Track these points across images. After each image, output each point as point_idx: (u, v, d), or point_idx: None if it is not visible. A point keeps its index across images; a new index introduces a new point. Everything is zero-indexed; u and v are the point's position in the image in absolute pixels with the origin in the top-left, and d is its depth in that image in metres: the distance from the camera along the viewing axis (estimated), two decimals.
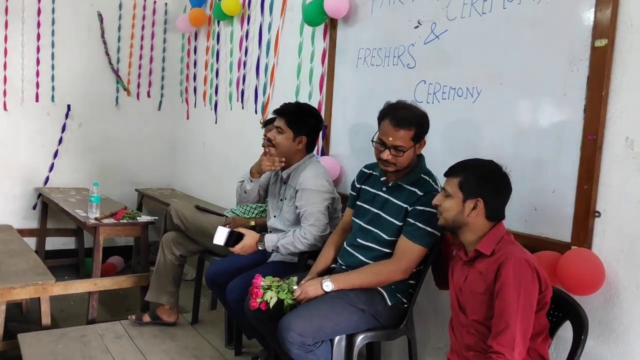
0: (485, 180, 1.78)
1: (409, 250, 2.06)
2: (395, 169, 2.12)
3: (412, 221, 2.06)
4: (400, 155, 2.07)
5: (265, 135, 2.86)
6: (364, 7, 2.94)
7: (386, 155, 2.08)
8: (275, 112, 2.62)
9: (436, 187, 2.11)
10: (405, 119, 2.06)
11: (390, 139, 2.06)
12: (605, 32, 1.86)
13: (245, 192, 2.73)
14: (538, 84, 2.08)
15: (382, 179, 2.22)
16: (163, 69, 5.10)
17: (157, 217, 3.75)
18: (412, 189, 2.11)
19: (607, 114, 1.87)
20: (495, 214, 1.79)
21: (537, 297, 1.65)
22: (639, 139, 1.79)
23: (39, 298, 3.07)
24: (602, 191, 1.90)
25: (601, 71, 1.86)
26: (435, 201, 1.85)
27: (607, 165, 1.88)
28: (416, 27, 2.59)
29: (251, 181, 2.69)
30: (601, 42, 1.87)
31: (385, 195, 2.19)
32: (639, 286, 1.79)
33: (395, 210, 2.13)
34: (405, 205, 2.11)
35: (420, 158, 2.20)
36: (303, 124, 2.56)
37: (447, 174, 1.84)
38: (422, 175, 2.14)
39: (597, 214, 1.90)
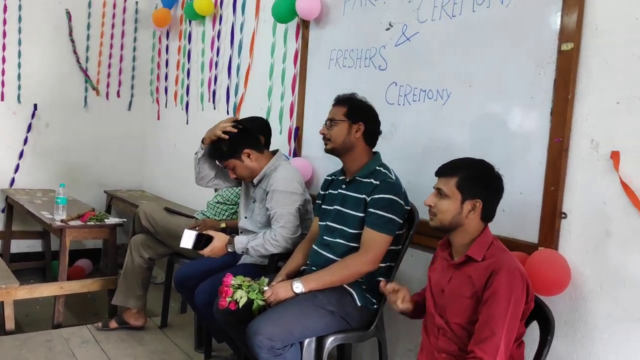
0: (483, 181, 1.74)
1: (373, 240, 2.07)
2: (332, 146, 2.22)
3: (372, 210, 2.09)
4: (331, 128, 2.20)
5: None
6: (335, 8, 2.94)
7: (322, 129, 2.24)
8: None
9: (391, 176, 2.16)
10: (340, 97, 2.27)
11: (328, 115, 2.25)
12: (571, 36, 1.89)
13: (198, 163, 2.68)
14: (506, 86, 2.11)
15: (341, 177, 2.27)
16: (133, 69, 5.03)
17: (125, 219, 3.68)
18: (368, 180, 2.15)
19: (573, 116, 1.90)
20: (490, 215, 1.77)
21: (523, 308, 1.64)
22: (604, 141, 1.82)
23: (2, 302, 2.98)
24: (568, 193, 1.92)
25: (567, 74, 1.89)
26: (428, 202, 1.77)
27: (573, 167, 1.91)
28: (387, 29, 2.60)
29: (202, 149, 2.64)
30: (567, 46, 1.89)
31: (345, 192, 2.23)
32: (603, 287, 1.82)
33: (355, 203, 2.16)
34: (363, 196, 2.13)
35: (375, 155, 2.25)
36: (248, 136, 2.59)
37: (440, 174, 1.79)
38: (377, 167, 2.19)
39: (563, 216, 1.93)
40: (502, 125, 2.12)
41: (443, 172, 1.78)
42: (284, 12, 3.09)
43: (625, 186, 1.75)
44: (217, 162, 2.69)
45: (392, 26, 2.58)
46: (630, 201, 1.74)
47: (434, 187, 1.79)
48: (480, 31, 2.19)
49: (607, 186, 1.81)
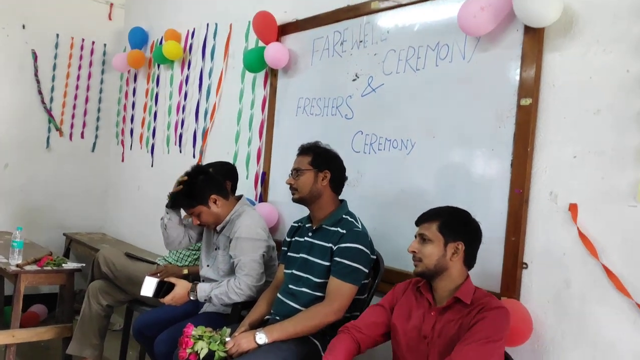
0: (463, 224, 1.79)
1: (339, 290, 2.05)
2: (299, 196, 2.22)
3: (338, 259, 2.08)
4: (298, 177, 2.20)
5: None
6: (304, 58, 3.00)
7: (288, 179, 2.24)
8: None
9: (357, 225, 2.17)
10: (304, 147, 2.29)
11: (293, 165, 2.26)
12: (530, 91, 1.97)
13: (165, 228, 2.63)
14: (468, 138, 2.17)
15: (308, 225, 2.27)
16: (99, 110, 4.98)
17: (84, 264, 3.56)
18: (335, 228, 2.15)
19: (533, 169, 1.96)
20: (472, 260, 1.80)
21: (501, 350, 1.66)
22: (562, 193, 1.88)
23: None
24: (529, 243, 1.97)
25: (526, 128, 1.96)
26: (412, 248, 1.79)
27: (533, 218, 1.96)
28: (354, 79, 2.66)
29: (167, 213, 2.60)
30: (526, 101, 1.97)
31: (311, 240, 2.22)
32: (565, 336, 1.84)
33: (321, 252, 2.15)
34: (329, 245, 2.13)
35: (342, 203, 2.26)
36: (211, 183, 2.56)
37: (420, 221, 1.81)
38: (344, 216, 2.19)
39: (524, 266, 1.96)
40: (465, 175, 2.17)
41: (424, 219, 1.82)
42: (254, 63, 3.15)
43: (583, 237, 1.80)
44: (183, 210, 2.63)
45: (358, 77, 2.64)
46: (588, 252, 1.78)
47: (415, 235, 1.81)
48: (443, 84, 2.26)
49: (566, 237, 1.86)
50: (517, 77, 2.01)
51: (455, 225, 1.77)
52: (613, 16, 1.80)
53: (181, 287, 2.41)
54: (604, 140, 1.79)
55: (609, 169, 1.77)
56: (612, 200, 1.76)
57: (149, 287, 2.38)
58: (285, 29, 3.11)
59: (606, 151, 1.78)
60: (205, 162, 3.68)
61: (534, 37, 1.96)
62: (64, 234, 4.74)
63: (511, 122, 2.02)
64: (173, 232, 2.64)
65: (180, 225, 2.66)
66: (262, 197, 3.21)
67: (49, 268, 3.28)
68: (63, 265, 3.37)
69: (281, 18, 3.12)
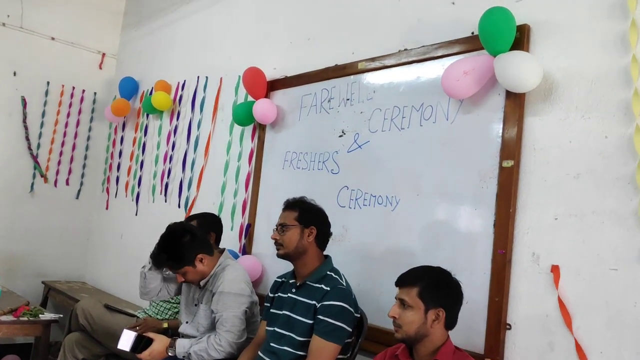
0: (443, 289, 1.76)
1: (322, 349, 2.01)
2: (284, 252, 2.20)
3: (321, 317, 2.04)
4: (283, 233, 2.18)
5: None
6: (292, 113, 3.05)
7: (273, 235, 2.22)
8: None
9: (342, 282, 2.15)
10: (290, 202, 2.28)
11: (278, 220, 2.24)
12: (511, 153, 2.01)
13: (144, 277, 2.57)
14: (452, 197, 2.19)
15: (292, 281, 2.24)
16: (86, 157, 4.97)
17: (62, 315, 3.48)
18: (319, 285, 2.13)
19: (515, 230, 1.98)
20: (453, 322, 1.77)
21: None
22: (544, 255, 1.90)
23: None
24: (512, 304, 1.96)
25: (508, 190, 1.99)
26: (392, 313, 1.75)
27: (516, 279, 1.96)
28: (340, 136, 2.70)
29: (150, 262, 2.56)
30: (508, 163, 2.01)
31: (294, 296, 2.19)
32: None
33: (305, 309, 2.12)
34: (313, 302, 2.10)
35: (327, 259, 2.25)
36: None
37: (400, 284, 1.79)
38: (328, 272, 2.17)
39: (508, 327, 1.95)
40: (449, 234, 2.19)
41: (403, 282, 1.78)
42: (243, 116, 3.19)
43: (561, 303, 1.81)
44: (169, 270, 2.57)
45: (344, 134, 2.68)
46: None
47: (396, 298, 1.78)
48: (427, 144, 2.31)
49: (549, 299, 1.86)
50: (499, 140, 2.06)
51: (436, 290, 1.74)
52: (591, 83, 1.87)
53: (159, 343, 2.36)
54: (584, 203, 1.83)
55: (590, 232, 1.80)
56: (593, 263, 1.78)
57: (126, 340, 2.32)
58: (275, 85, 3.17)
59: (587, 214, 1.82)
60: (191, 212, 3.66)
61: (515, 102, 2.02)
62: (43, 282, 4.64)
63: (493, 183, 2.05)
64: (152, 282, 2.60)
65: (160, 275, 2.62)
66: (246, 249, 3.19)
67: (25, 319, 3.20)
68: (40, 315, 3.29)
69: (271, 74, 3.19)
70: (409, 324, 1.72)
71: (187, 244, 2.43)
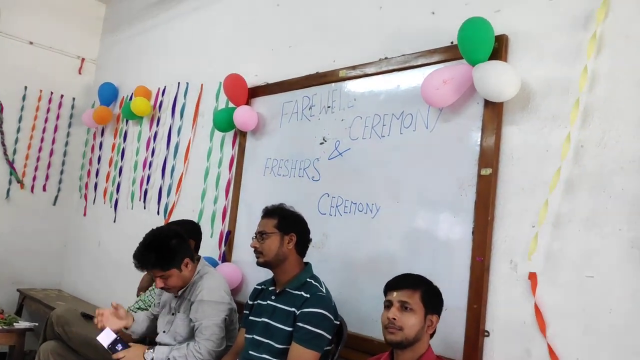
0: (439, 296, 1.80)
1: (301, 356, 2.01)
2: (264, 260, 2.18)
3: (301, 325, 2.03)
4: (263, 241, 2.17)
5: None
6: (273, 120, 3.05)
7: (252, 243, 2.20)
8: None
9: (322, 289, 2.14)
10: (269, 209, 2.27)
11: (257, 228, 2.22)
12: (490, 162, 2.03)
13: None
14: (432, 205, 2.21)
15: (271, 288, 2.23)
16: (63, 163, 4.91)
17: (37, 323, 3.42)
18: (299, 292, 2.12)
19: (493, 237, 2.00)
20: (435, 331, 1.80)
21: None
22: (522, 262, 1.92)
23: None
24: (490, 311, 1.98)
25: (487, 198, 2.01)
26: (392, 315, 1.72)
27: (494, 286, 1.98)
28: (321, 143, 2.71)
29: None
30: (486, 171, 2.03)
31: (274, 304, 2.18)
32: None
33: (284, 316, 2.11)
34: (292, 309, 2.09)
35: (307, 266, 2.24)
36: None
37: (399, 287, 1.76)
38: (308, 279, 2.17)
39: (486, 334, 1.97)
40: (428, 241, 2.20)
41: (403, 285, 1.78)
42: (224, 123, 3.19)
43: (537, 310, 1.83)
44: (153, 272, 2.50)
45: (325, 141, 2.69)
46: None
47: (390, 300, 1.77)
48: (407, 152, 2.32)
49: (526, 306, 1.88)
50: (478, 148, 2.08)
51: (434, 296, 1.78)
52: (567, 93, 1.90)
53: (136, 347, 2.33)
54: (561, 211, 1.85)
55: (567, 239, 1.83)
56: (569, 270, 1.80)
57: (107, 337, 2.29)
58: (256, 92, 3.17)
59: (563, 222, 1.84)
60: (171, 219, 3.63)
61: (494, 111, 2.05)
62: (18, 290, 4.55)
63: (472, 191, 2.07)
64: (141, 325, 2.67)
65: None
66: (226, 257, 3.17)
67: None
68: (14, 324, 3.24)
69: (252, 81, 3.19)
70: (411, 327, 1.71)
71: (176, 246, 2.42)
